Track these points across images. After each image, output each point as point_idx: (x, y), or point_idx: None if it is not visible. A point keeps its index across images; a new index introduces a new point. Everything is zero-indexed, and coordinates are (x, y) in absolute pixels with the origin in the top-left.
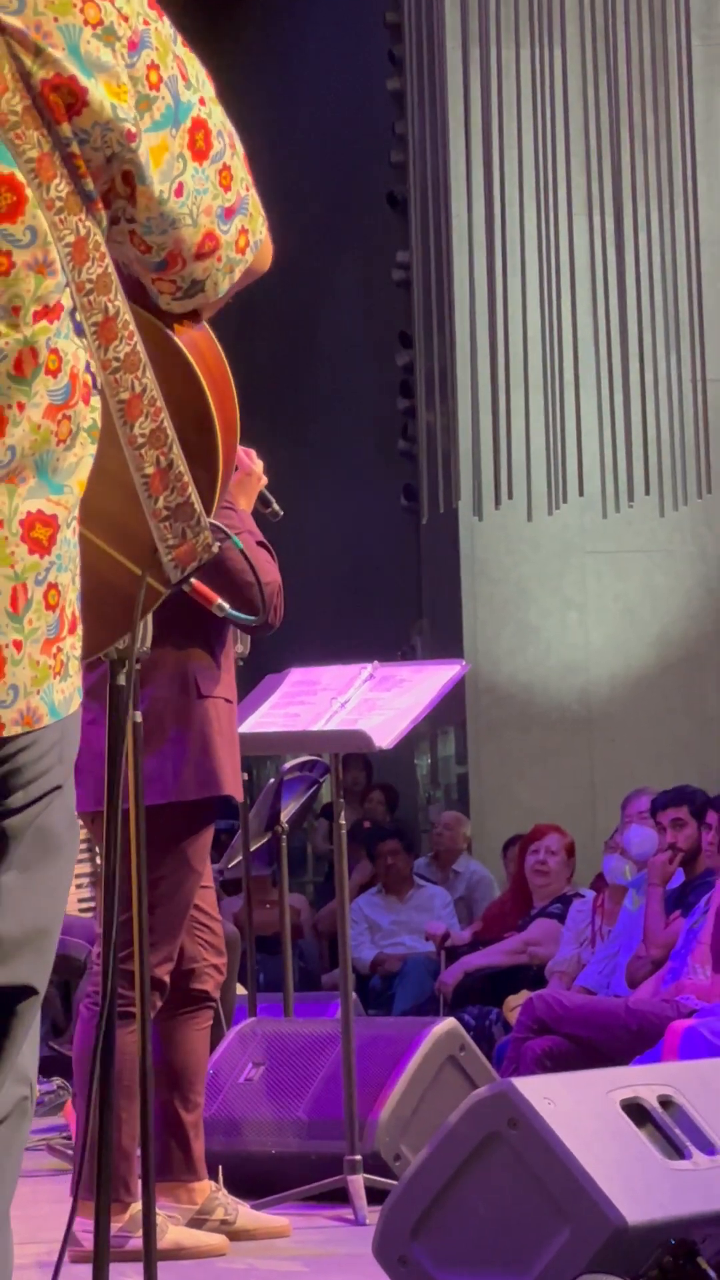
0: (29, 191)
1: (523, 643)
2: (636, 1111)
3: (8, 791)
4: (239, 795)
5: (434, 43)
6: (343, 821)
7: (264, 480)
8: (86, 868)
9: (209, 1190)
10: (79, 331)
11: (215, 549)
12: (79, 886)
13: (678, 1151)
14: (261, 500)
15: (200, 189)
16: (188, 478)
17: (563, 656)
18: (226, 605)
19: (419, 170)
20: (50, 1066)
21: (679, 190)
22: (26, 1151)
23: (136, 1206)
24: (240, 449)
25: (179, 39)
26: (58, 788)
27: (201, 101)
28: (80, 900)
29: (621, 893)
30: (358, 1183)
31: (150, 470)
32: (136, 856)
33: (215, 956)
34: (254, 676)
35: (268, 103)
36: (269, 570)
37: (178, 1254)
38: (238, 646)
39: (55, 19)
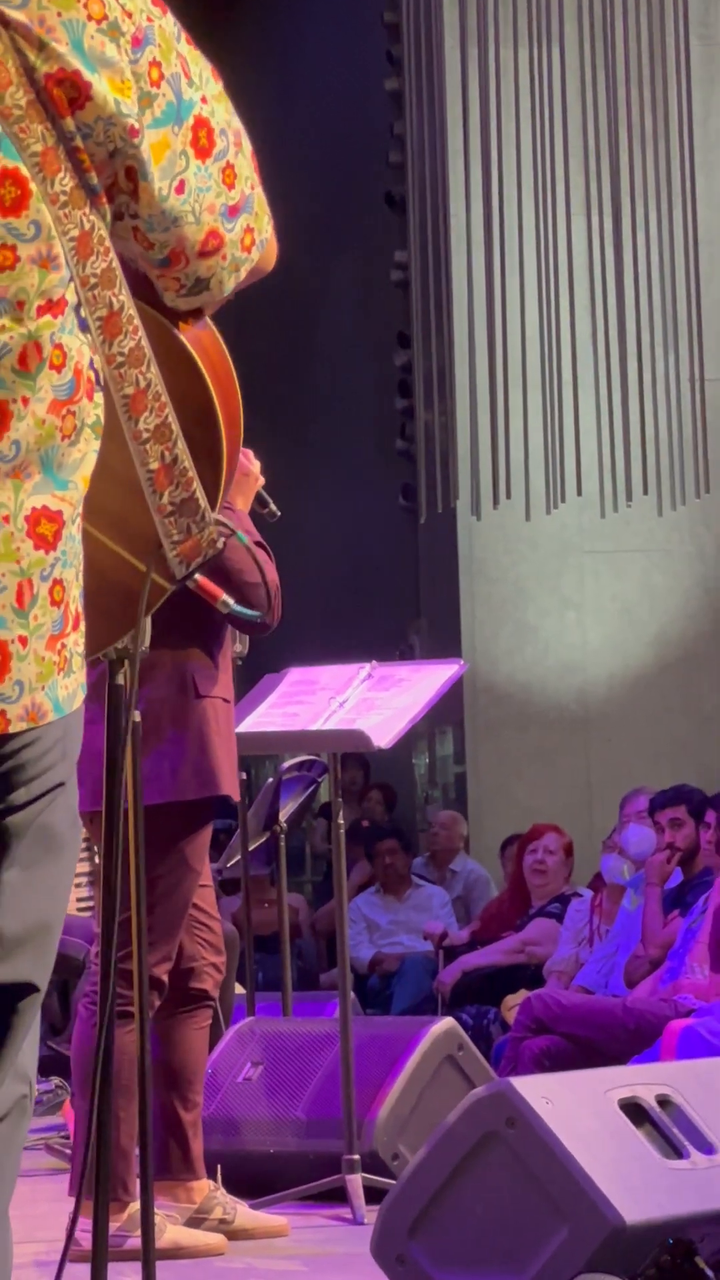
0: (33, 186)
1: (521, 642)
2: (634, 1111)
3: (10, 788)
4: (236, 795)
5: (432, 43)
6: (341, 821)
7: (261, 480)
8: (85, 867)
9: (207, 1189)
10: (83, 327)
11: (220, 544)
12: (77, 886)
13: (675, 1151)
14: (259, 501)
15: (203, 187)
16: (192, 473)
17: (561, 656)
18: (232, 601)
19: (417, 170)
20: (48, 1066)
21: (677, 190)
22: (25, 1150)
23: (135, 1206)
24: None
25: (183, 36)
26: (60, 785)
27: (204, 100)
28: (79, 900)
29: (619, 892)
30: (356, 1182)
31: (155, 465)
32: (135, 856)
33: (214, 955)
34: (252, 676)
35: (266, 102)
36: (267, 570)
37: (176, 1253)
38: (236, 646)
39: (59, 14)
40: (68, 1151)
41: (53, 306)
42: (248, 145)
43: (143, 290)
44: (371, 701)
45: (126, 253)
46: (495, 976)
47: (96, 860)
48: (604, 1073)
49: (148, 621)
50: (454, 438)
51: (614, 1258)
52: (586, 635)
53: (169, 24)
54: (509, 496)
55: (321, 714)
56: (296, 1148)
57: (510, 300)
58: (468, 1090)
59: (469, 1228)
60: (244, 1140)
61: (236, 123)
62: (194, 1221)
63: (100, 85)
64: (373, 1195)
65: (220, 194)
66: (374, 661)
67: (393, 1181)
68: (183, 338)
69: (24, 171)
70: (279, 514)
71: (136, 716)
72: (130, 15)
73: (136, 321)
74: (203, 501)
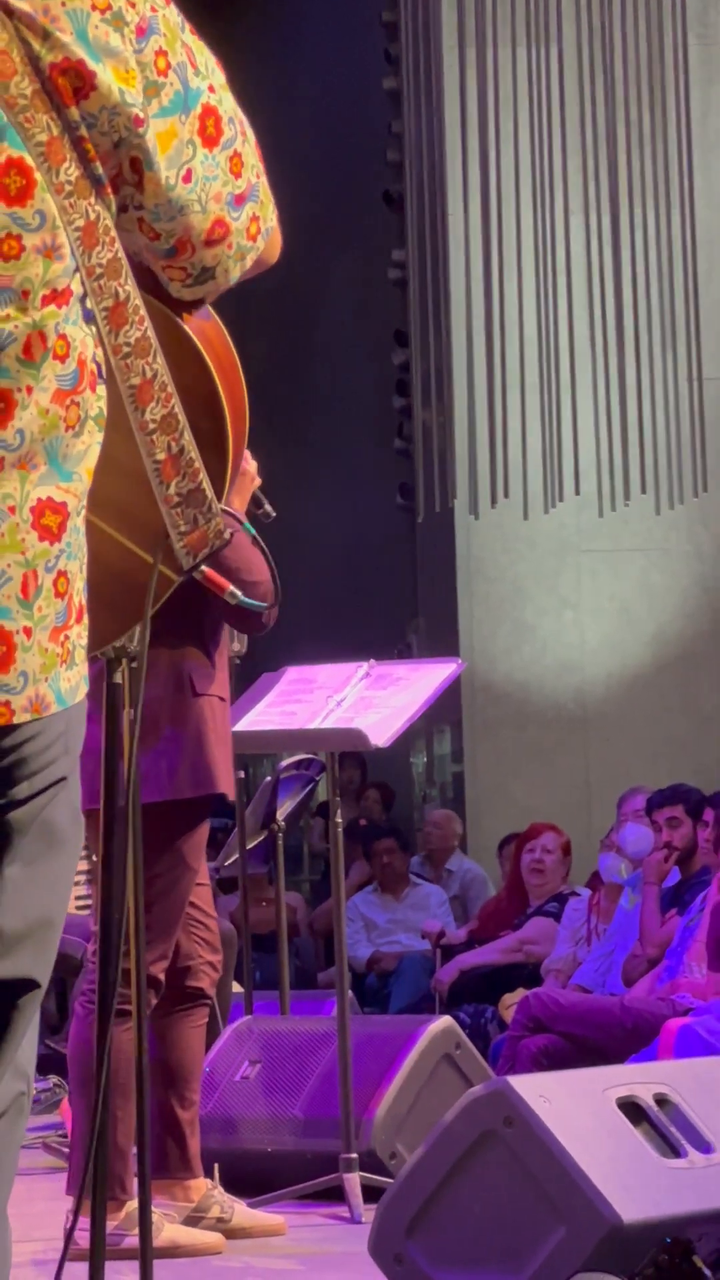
0: (38, 175)
1: (518, 641)
2: (632, 1110)
3: (12, 782)
4: (232, 794)
5: (430, 42)
6: (339, 820)
7: (258, 480)
8: (83, 865)
9: (205, 1188)
10: (88, 319)
11: (227, 535)
12: (75, 884)
13: (673, 1150)
14: (254, 501)
15: (210, 175)
16: (199, 464)
17: (558, 655)
18: (239, 593)
19: (415, 169)
20: (46, 1064)
21: (675, 189)
22: (22, 1149)
23: (132, 1204)
24: None
25: (187, 27)
26: (62, 780)
27: (211, 89)
28: (77, 898)
29: (617, 891)
30: (353, 1181)
31: (162, 456)
32: (133, 855)
33: (211, 954)
34: (250, 675)
35: (264, 101)
36: (262, 570)
37: (174, 1252)
38: (234, 645)
39: (63, 3)
40: (65, 1150)
41: (57, 296)
42: (251, 134)
43: (147, 283)
44: (369, 700)
45: (131, 245)
46: (493, 975)
47: (94, 858)
48: (602, 1072)
49: (147, 619)
50: (452, 437)
51: (611, 1257)
52: (584, 634)
53: (173, 14)
54: (507, 495)
55: (319, 713)
56: (294, 1146)
57: (508, 299)
58: (465, 1089)
59: (467, 1227)
60: (242, 1139)
61: (240, 112)
62: (192, 1220)
63: (105, 75)
64: (370, 1194)
65: (227, 182)
66: (372, 660)
67: (390, 1180)
68: (188, 329)
69: (29, 161)
70: (274, 514)
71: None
72: (134, 5)
73: (143, 312)
74: (209, 492)
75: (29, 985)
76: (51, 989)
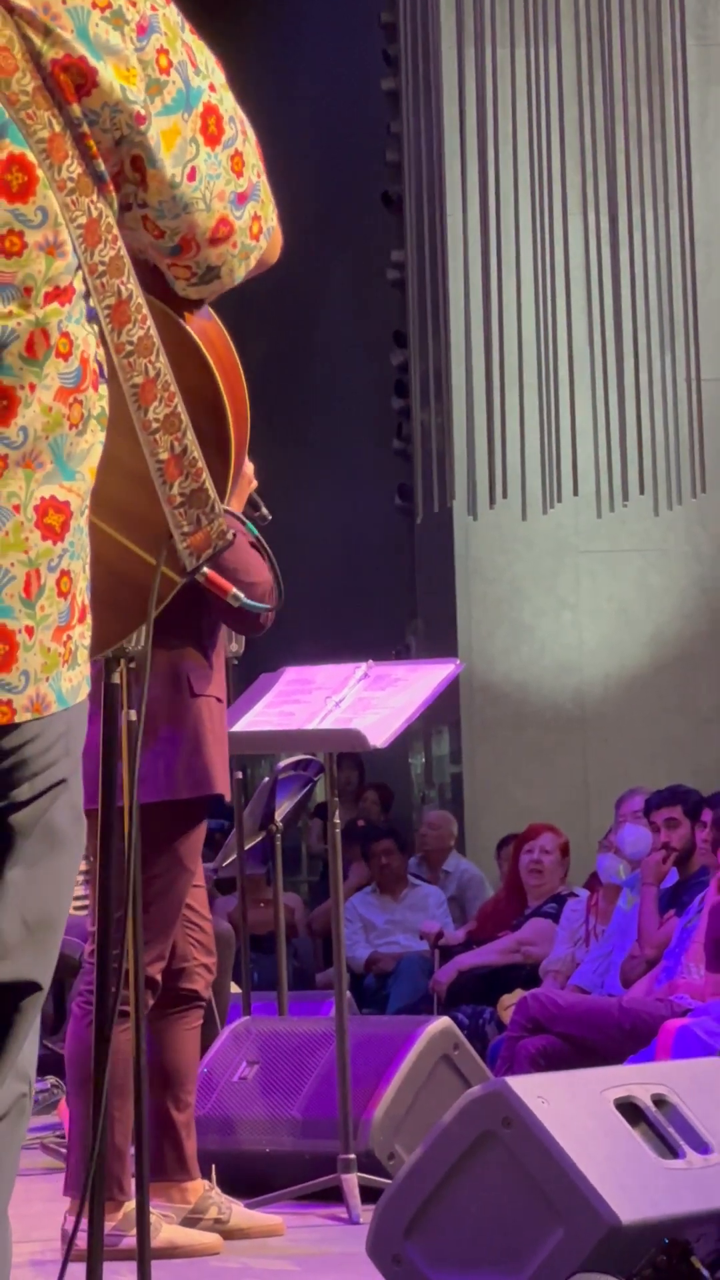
0: (40, 172)
1: (517, 642)
2: (630, 1110)
3: (13, 784)
4: (229, 795)
5: (429, 42)
6: (337, 820)
7: (254, 483)
8: (81, 865)
9: (202, 1189)
10: (91, 317)
11: (230, 536)
12: None
13: (671, 1151)
14: (250, 504)
15: (213, 174)
16: (202, 464)
17: (557, 656)
18: (242, 595)
19: (414, 169)
20: (44, 1065)
21: (674, 190)
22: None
23: (130, 1205)
24: None
25: (187, 26)
26: (64, 781)
27: (212, 87)
28: (75, 898)
29: (615, 892)
30: (352, 1181)
31: (164, 455)
32: (131, 855)
33: (205, 956)
34: (248, 675)
35: (263, 102)
36: (260, 571)
37: (171, 1252)
38: (232, 646)
39: (63, 1)
40: (63, 1150)
41: (60, 294)
42: (252, 133)
43: (148, 282)
44: (368, 701)
45: (135, 244)
46: (491, 976)
47: (92, 859)
48: (600, 1072)
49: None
50: (450, 437)
51: (610, 1257)
52: (583, 635)
53: (173, 13)
54: (505, 496)
55: (318, 713)
56: (292, 1147)
57: (507, 300)
58: (463, 1090)
59: (465, 1227)
60: (240, 1140)
61: (240, 111)
62: (189, 1221)
63: (105, 72)
64: (368, 1195)
65: (229, 181)
66: (370, 661)
67: (388, 1181)
68: (190, 330)
69: (31, 157)
70: (270, 517)
71: (133, 715)
72: (134, 4)
73: (145, 310)
74: (212, 493)
75: (31, 988)
76: (49, 989)
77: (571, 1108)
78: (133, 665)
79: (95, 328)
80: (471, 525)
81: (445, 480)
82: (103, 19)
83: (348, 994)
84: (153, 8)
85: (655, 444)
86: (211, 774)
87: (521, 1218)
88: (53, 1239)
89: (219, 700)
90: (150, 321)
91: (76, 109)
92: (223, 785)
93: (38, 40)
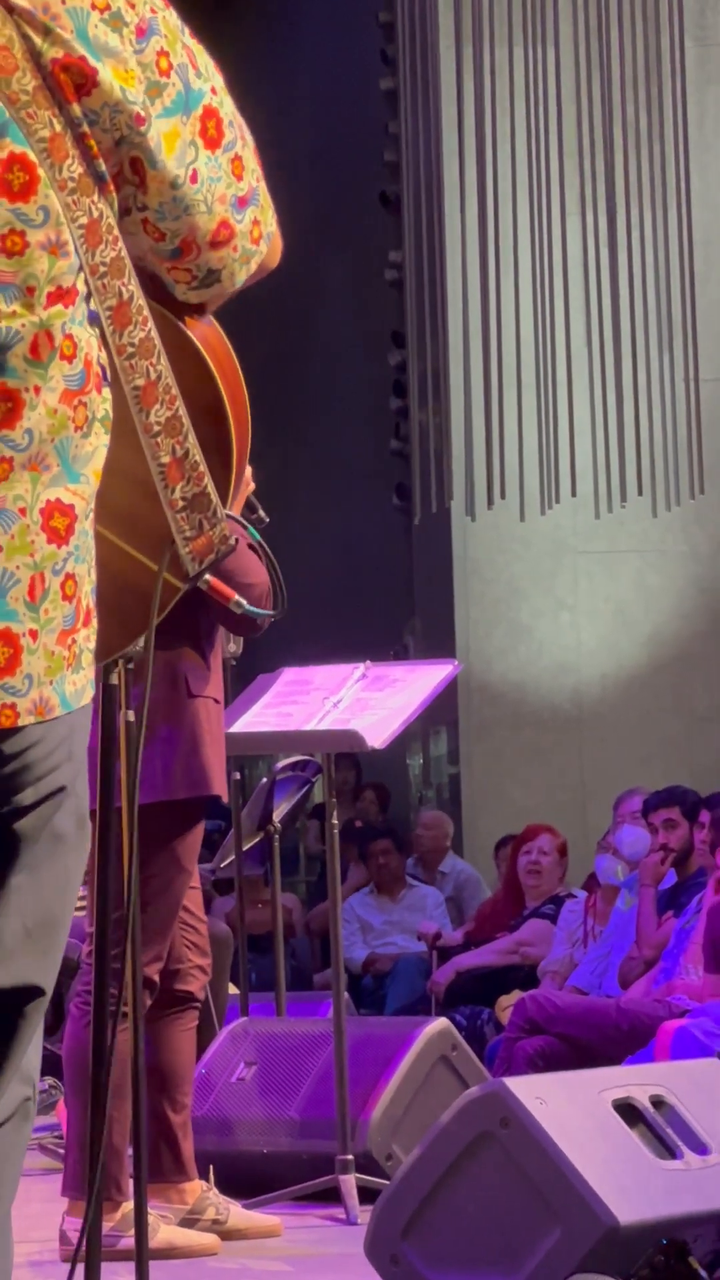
0: (41, 171)
1: (515, 642)
2: (628, 1111)
3: (17, 788)
4: (226, 795)
5: (427, 42)
6: (335, 821)
7: (251, 485)
8: None
9: (200, 1190)
10: (93, 320)
11: (233, 542)
12: None
13: (669, 1151)
14: (248, 506)
15: (214, 176)
16: (204, 468)
17: (554, 656)
18: (244, 602)
19: (412, 169)
20: (43, 1066)
21: (672, 190)
22: None
23: (128, 1205)
24: None
25: (186, 30)
26: (67, 786)
27: (213, 91)
28: None
29: (613, 893)
30: (349, 1182)
31: (166, 459)
32: (129, 856)
33: (200, 957)
34: (247, 676)
35: (261, 101)
36: (258, 572)
37: (170, 1253)
38: (230, 646)
39: (63, 1)
40: (61, 1151)
41: (64, 296)
42: (250, 139)
43: (149, 288)
44: (366, 702)
45: (135, 249)
46: (489, 977)
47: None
48: (598, 1073)
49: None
50: (448, 438)
51: (608, 1258)
52: (580, 635)
53: (172, 17)
54: (503, 497)
55: (316, 714)
56: (290, 1148)
57: (505, 300)
58: (461, 1091)
59: (463, 1228)
60: (237, 1140)
61: (239, 117)
62: (187, 1222)
63: (105, 72)
64: (366, 1195)
65: (230, 184)
66: (368, 661)
67: (386, 1182)
68: (190, 334)
69: (32, 156)
70: (267, 519)
71: (130, 715)
72: (134, 6)
73: (146, 312)
74: (214, 498)
75: (34, 992)
76: None
77: (569, 1109)
78: (130, 666)
79: (97, 330)
80: (469, 526)
81: (443, 480)
82: (102, 20)
83: (345, 995)
84: (152, 10)
85: (653, 445)
86: (209, 774)
87: (519, 1218)
88: (50, 1239)
89: (216, 701)
90: (151, 324)
91: (76, 109)
92: (220, 786)
93: (37, 40)
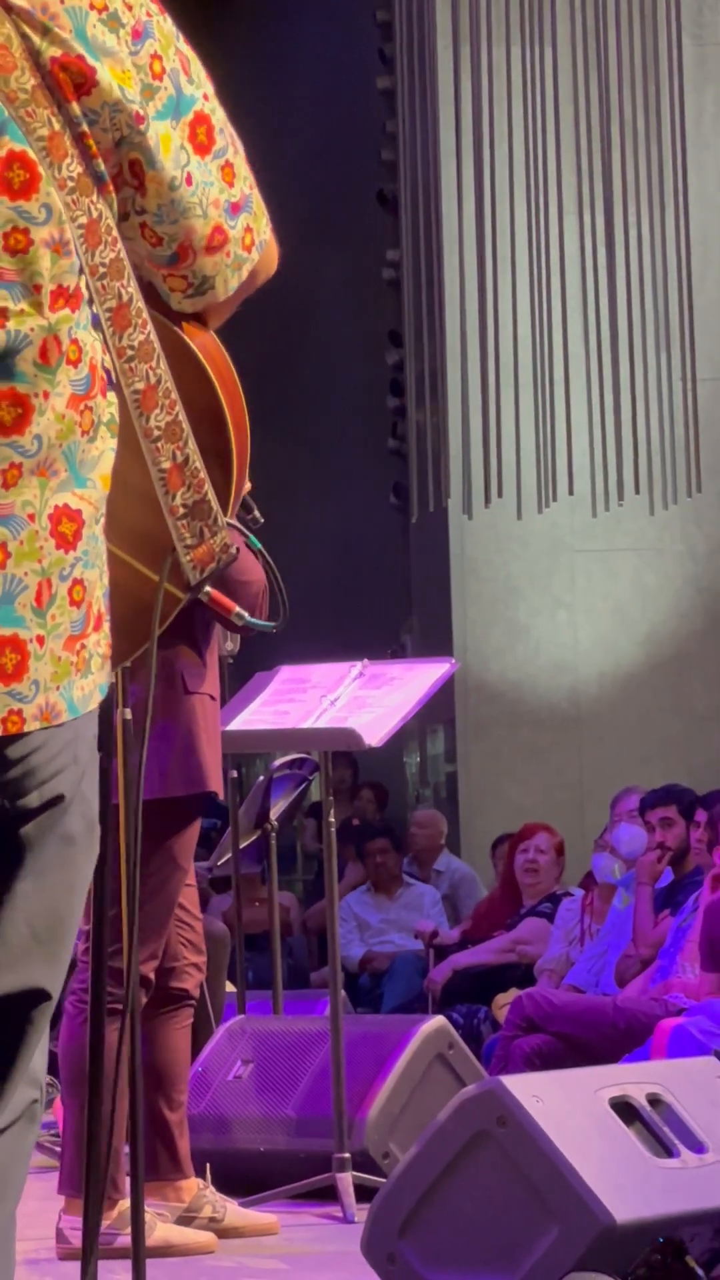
0: (41, 169)
1: (512, 641)
2: (625, 1110)
3: (22, 792)
4: (222, 792)
5: (424, 41)
6: (332, 819)
7: (247, 485)
8: None
9: (196, 1188)
10: (95, 323)
11: (234, 551)
12: None
13: (666, 1150)
14: (243, 506)
15: (207, 181)
16: (204, 474)
17: (552, 655)
18: (246, 614)
19: (409, 169)
20: None
21: (669, 190)
22: None
23: (125, 1203)
24: None
25: (181, 37)
26: (74, 789)
27: (205, 98)
28: None
29: (611, 891)
30: (346, 1180)
31: (167, 464)
32: (127, 854)
33: (195, 955)
34: (244, 674)
35: (258, 101)
36: (254, 570)
37: (166, 1251)
38: (227, 644)
39: (61, 1)
40: (57, 1149)
41: (69, 299)
42: (242, 148)
43: (146, 298)
44: (363, 700)
45: (132, 256)
46: (486, 975)
47: None
48: (595, 1072)
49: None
50: (445, 437)
51: (604, 1257)
52: (578, 634)
53: (167, 23)
54: (500, 495)
55: (313, 712)
56: (287, 1146)
57: (502, 299)
58: (458, 1089)
59: (459, 1226)
60: (234, 1138)
61: (230, 126)
62: (184, 1220)
63: (104, 72)
64: (363, 1194)
65: (223, 190)
66: (365, 660)
67: (383, 1180)
68: (189, 341)
69: (32, 155)
70: (262, 520)
71: (128, 714)
72: (130, 8)
73: (146, 315)
74: (215, 505)
75: (40, 996)
76: None
77: (566, 1107)
78: (128, 665)
79: (100, 334)
80: (467, 524)
81: (440, 479)
82: (100, 21)
83: (342, 993)
84: (148, 14)
85: (650, 443)
86: (205, 771)
87: (516, 1217)
88: (47, 1237)
89: (213, 698)
90: (150, 327)
91: (76, 108)
92: (216, 783)
93: (36, 38)
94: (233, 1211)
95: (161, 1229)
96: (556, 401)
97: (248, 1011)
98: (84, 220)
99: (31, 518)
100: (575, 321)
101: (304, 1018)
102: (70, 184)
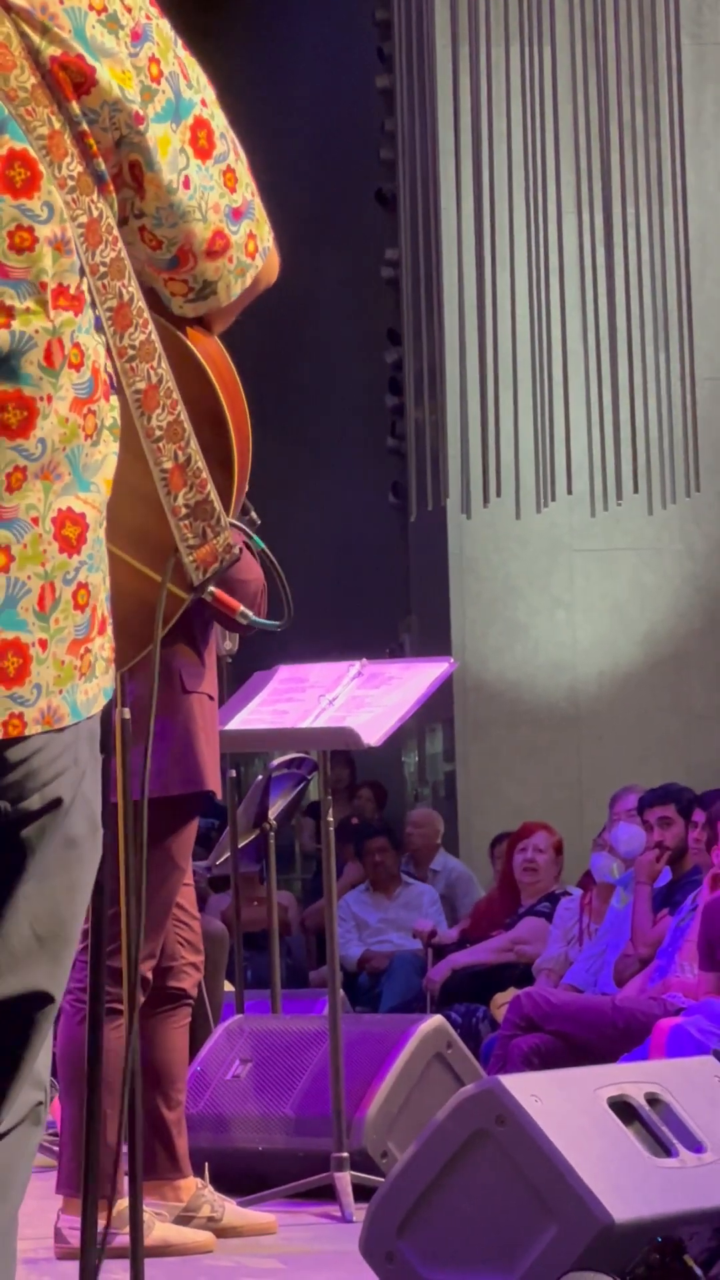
0: (42, 168)
1: (511, 640)
2: (624, 1109)
3: (23, 795)
4: (219, 791)
5: (423, 40)
6: (330, 819)
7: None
8: None
9: (194, 1187)
10: (98, 327)
11: (237, 552)
12: None
13: (664, 1149)
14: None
15: (207, 185)
16: (206, 475)
17: (550, 654)
18: (250, 613)
19: (408, 168)
20: None
21: (668, 188)
22: None
23: (123, 1203)
24: None
25: (179, 42)
26: (74, 793)
27: (204, 103)
28: None
29: (609, 891)
30: (345, 1179)
31: (169, 465)
32: (125, 853)
33: (193, 955)
34: (242, 673)
35: (257, 99)
36: (251, 569)
37: (165, 1251)
38: (226, 644)
39: (61, 1)
40: (55, 1149)
41: (71, 301)
42: (243, 154)
43: (148, 301)
44: (361, 699)
45: (134, 260)
46: (484, 975)
47: None
48: (593, 1071)
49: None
50: (444, 435)
51: (603, 1256)
52: (576, 633)
53: (166, 27)
54: (499, 494)
55: (311, 711)
56: (285, 1145)
57: (501, 298)
58: (457, 1088)
59: (458, 1226)
60: (232, 1138)
61: (232, 132)
62: (182, 1219)
63: (103, 72)
64: (361, 1193)
65: (223, 195)
66: (364, 659)
67: (382, 1179)
68: (189, 343)
69: (32, 153)
70: (259, 521)
71: (126, 713)
72: (130, 10)
73: (147, 315)
74: (218, 505)
75: (44, 999)
76: None
77: (565, 1106)
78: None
79: (102, 338)
80: (465, 523)
81: (439, 478)
82: (99, 22)
83: (341, 992)
84: (147, 17)
85: (649, 442)
86: (203, 770)
87: (514, 1216)
88: (45, 1237)
89: (211, 697)
90: (152, 326)
91: (75, 107)
92: (214, 782)
93: (35, 37)
94: (231, 1211)
95: (160, 1228)
96: (555, 400)
97: (246, 1011)
98: (84, 219)
99: (35, 521)
100: (574, 320)
101: (302, 1017)
102: (71, 183)
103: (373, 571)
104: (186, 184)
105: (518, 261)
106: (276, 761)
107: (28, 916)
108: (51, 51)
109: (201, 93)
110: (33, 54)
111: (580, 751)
